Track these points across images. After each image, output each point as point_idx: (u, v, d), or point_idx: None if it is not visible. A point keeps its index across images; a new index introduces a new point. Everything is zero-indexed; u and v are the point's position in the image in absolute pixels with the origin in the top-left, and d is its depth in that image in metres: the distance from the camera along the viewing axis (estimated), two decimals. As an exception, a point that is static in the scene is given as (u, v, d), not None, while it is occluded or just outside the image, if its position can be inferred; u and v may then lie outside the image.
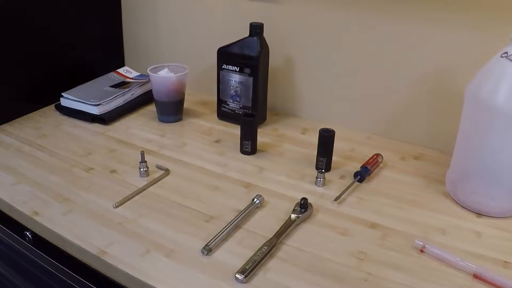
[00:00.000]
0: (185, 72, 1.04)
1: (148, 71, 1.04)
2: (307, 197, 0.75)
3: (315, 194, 0.81)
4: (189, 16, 1.18)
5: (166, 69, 1.06)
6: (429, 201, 0.80)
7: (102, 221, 0.73)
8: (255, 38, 0.98)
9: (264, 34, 0.99)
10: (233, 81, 1.02)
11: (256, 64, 0.98)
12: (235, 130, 0.99)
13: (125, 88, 1.12)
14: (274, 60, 1.05)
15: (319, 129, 0.87)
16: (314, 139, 0.88)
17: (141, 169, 0.84)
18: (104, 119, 1.04)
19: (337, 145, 0.88)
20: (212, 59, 1.04)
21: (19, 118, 1.06)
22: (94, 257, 0.66)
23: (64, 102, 1.08)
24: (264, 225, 0.72)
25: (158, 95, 1.05)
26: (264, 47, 0.99)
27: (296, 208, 0.74)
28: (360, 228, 0.72)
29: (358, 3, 0.95)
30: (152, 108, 1.11)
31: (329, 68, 1.04)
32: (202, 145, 0.97)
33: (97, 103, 1.04)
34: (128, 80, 1.17)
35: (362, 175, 0.83)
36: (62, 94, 1.07)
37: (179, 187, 0.82)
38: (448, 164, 0.82)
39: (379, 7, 0.93)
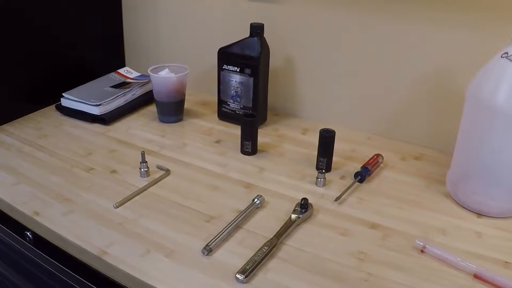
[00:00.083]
0: (186, 73, 1.04)
1: (148, 72, 1.04)
2: (307, 197, 0.75)
3: (316, 195, 0.81)
4: (189, 16, 1.18)
5: (166, 70, 1.06)
6: (429, 201, 0.80)
7: (103, 221, 0.73)
8: (255, 38, 0.98)
9: (265, 35, 0.99)
10: (234, 81, 1.02)
11: (256, 65, 0.98)
12: (236, 131, 0.99)
13: (125, 88, 1.12)
14: (275, 61, 1.05)
15: (319, 129, 0.87)
16: (315, 139, 0.88)
17: (142, 170, 0.84)
18: (105, 120, 1.04)
19: (338, 145, 0.88)
20: (213, 60, 1.04)
21: (19, 119, 1.06)
22: (95, 257, 0.66)
23: (64, 102, 1.08)
24: (264, 225, 0.72)
25: (159, 95, 1.05)
26: (264, 47, 0.99)
27: (296, 208, 0.74)
28: (361, 228, 0.72)
29: (358, 3, 0.95)
30: (152, 108, 1.11)
31: (329, 68, 1.04)
32: (202, 146, 0.97)
33: (98, 103, 1.04)
34: (128, 80, 1.17)
35: (362, 175, 0.83)
36: (63, 94, 1.08)
37: (180, 188, 0.82)
38: (449, 164, 0.82)
39: (379, 7, 0.93)
